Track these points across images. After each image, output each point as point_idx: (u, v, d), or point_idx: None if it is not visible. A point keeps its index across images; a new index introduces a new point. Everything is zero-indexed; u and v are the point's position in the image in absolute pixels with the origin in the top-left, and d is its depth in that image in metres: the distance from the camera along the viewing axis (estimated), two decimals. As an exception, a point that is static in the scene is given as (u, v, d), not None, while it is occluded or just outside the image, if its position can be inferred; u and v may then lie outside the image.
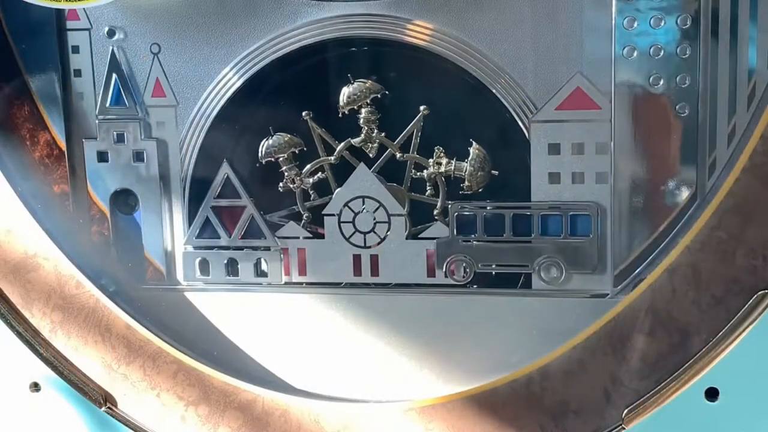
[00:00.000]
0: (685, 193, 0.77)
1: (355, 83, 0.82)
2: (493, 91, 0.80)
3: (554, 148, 0.80)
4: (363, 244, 0.85)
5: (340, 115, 0.83)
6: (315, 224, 0.85)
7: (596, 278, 0.81)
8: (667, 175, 0.78)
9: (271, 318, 0.87)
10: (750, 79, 0.74)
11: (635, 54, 0.76)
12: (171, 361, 0.85)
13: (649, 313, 0.75)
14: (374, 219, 0.84)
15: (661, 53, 0.76)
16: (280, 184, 0.85)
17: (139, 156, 0.87)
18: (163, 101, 0.86)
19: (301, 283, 0.86)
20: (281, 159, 0.85)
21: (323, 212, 0.85)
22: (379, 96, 0.82)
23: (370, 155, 0.84)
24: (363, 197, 0.84)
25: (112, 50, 0.86)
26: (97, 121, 0.87)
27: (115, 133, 0.87)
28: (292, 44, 0.83)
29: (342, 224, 0.85)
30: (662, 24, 0.75)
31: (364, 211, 0.84)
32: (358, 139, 0.83)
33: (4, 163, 0.87)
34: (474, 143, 0.81)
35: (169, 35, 0.85)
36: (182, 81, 0.85)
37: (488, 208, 0.82)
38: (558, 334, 0.79)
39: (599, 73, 0.78)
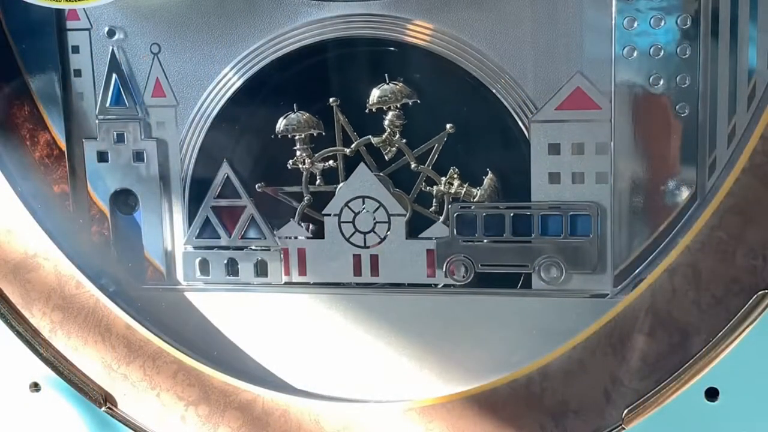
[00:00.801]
0: (685, 193, 0.77)
1: (389, 84, 0.82)
2: (493, 91, 0.80)
3: (554, 148, 0.80)
4: (363, 244, 0.85)
5: (366, 111, 0.82)
6: (313, 208, 0.85)
7: (596, 278, 0.81)
8: (667, 175, 0.78)
9: (271, 318, 0.87)
10: (750, 79, 0.74)
11: (635, 54, 0.76)
12: (171, 361, 0.85)
13: (649, 313, 0.75)
14: (374, 219, 0.84)
15: (661, 53, 0.76)
16: (290, 162, 0.85)
17: (139, 156, 0.87)
18: (163, 101, 0.86)
19: (301, 283, 0.86)
20: (297, 137, 0.84)
21: (323, 212, 0.85)
22: (409, 103, 0.82)
23: (386, 157, 0.84)
24: (363, 197, 0.84)
25: (112, 50, 0.86)
26: (97, 121, 0.87)
27: (115, 133, 0.87)
28: (292, 44, 0.83)
29: (342, 224, 0.85)
30: (662, 24, 0.75)
31: (364, 211, 0.84)
32: (378, 139, 0.83)
33: (4, 163, 0.87)
34: (490, 173, 0.81)
35: (169, 35, 0.85)
36: (182, 81, 0.85)
37: (488, 208, 0.82)
38: (558, 334, 0.79)
39: (599, 73, 0.78)
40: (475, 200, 0.82)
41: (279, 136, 0.84)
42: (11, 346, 0.88)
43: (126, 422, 0.86)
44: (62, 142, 0.88)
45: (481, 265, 0.83)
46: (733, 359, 0.74)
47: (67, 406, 0.90)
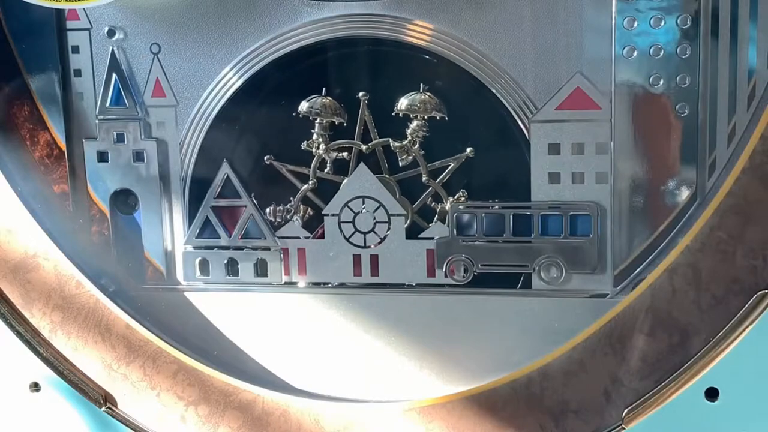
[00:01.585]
0: (685, 193, 0.77)
1: (424, 95, 0.81)
2: (493, 91, 0.80)
3: (554, 148, 0.80)
4: (363, 244, 0.85)
5: (393, 114, 0.82)
6: (314, 193, 0.85)
7: (596, 278, 0.81)
8: (667, 175, 0.78)
9: (271, 318, 0.87)
10: (750, 79, 0.74)
11: (635, 54, 0.76)
12: (171, 361, 0.85)
13: (649, 313, 0.75)
14: (374, 219, 0.84)
15: (661, 53, 0.76)
16: (305, 142, 0.84)
17: (139, 156, 0.87)
18: (163, 101, 0.86)
19: (301, 284, 0.86)
20: (318, 121, 0.84)
21: (323, 212, 0.85)
22: (437, 118, 0.82)
23: (401, 163, 0.83)
24: (363, 197, 0.84)
25: (112, 50, 0.86)
26: (97, 121, 0.87)
27: (115, 133, 0.87)
28: (292, 44, 0.83)
29: (342, 224, 0.85)
30: (662, 24, 0.75)
31: (364, 211, 0.84)
32: (397, 144, 0.83)
33: (4, 163, 0.87)
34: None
35: (169, 35, 0.85)
36: (182, 81, 0.85)
37: (488, 208, 0.82)
38: (558, 334, 0.79)
39: (599, 73, 0.78)
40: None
41: (300, 115, 0.84)
42: (11, 346, 0.88)
43: (126, 422, 0.86)
44: (62, 142, 0.88)
45: (481, 265, 0.83)
46: (733, 359, 0.74)
47: (67, 406, 0.90)
